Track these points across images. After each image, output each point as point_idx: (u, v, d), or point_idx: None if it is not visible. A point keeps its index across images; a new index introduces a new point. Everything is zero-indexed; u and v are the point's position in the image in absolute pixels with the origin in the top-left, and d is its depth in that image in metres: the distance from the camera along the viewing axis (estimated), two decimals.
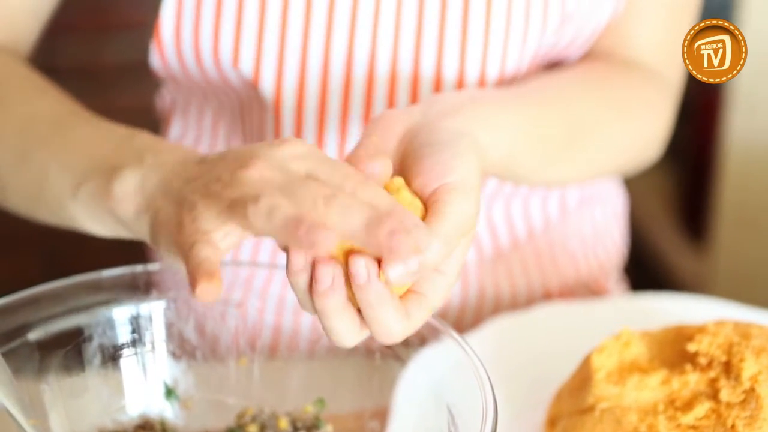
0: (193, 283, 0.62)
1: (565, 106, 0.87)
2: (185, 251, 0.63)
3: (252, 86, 0.91)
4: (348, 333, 0.65)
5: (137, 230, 0.72)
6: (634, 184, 1.34)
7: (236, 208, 0.62)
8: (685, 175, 2.07)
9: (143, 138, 0.76)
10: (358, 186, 0.63)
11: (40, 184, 0.80)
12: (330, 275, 0.63)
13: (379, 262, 0.63)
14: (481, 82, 0.91)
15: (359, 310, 0.64)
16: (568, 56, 0.96)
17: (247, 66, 0.90)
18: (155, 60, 0.93)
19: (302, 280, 0.64)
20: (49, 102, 0.85)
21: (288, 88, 0.90)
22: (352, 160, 0.67)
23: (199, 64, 0.91)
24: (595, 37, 0.96)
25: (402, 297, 0.65)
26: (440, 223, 0.65)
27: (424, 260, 0.63)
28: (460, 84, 0.90)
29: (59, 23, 0.99)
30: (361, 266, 0.62)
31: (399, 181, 0.67)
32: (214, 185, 0.65)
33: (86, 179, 0.75)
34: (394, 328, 0.64)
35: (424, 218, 0.65)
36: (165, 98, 1.06)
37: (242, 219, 0.62)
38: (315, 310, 0.64)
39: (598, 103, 0.90)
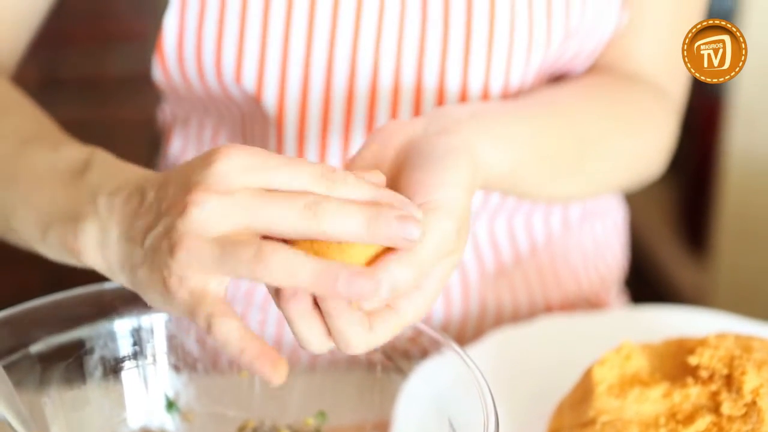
0: (260, 371, 0.61)
1: (569, 121, 0.87)
2: (202, 326, 0.62)
3: (255, 100, 0.91)
4: (314, 339, 0.65)
5: (116, 280, 0.70)
6: (634, 196, 1.34)
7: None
8: (685, 188, 2.07)
9: (95, 170, 0.73)
10: (329, 177, 0.63)
11: (10, 216, 0.78)
12: None
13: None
14: (485, 95, 0.91)
15: None
16: (572, 70, 0.96)
17: (249, 80, 0.90)
18: (157, 73, 0.93)
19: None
20: (15, 124, 0.83)
21: (291, 102, 0.90)
22: (348, 168, 0.67)
23: (201, 78, 0.91)
24: (598, 52, 0.96)
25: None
26: (417, 246, 0.64)
27: (395, 286, 0.62)
28: (463, 96, 0.90)
29: (61, 35, 0.99)
30: None
31: None
32: (172, 234, 0.63)
33: (51, 225, 0.73)
34: (353, 340, 0.64)
35: None
36: (166, 112, 1.06)
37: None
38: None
39: (602, 118, 0.91)
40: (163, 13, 0.90)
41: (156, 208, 0.65)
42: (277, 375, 0.61)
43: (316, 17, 0.88)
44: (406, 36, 0.89)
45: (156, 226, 0.64)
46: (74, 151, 0.76)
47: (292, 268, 0.61)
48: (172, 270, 0.62)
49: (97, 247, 0.69)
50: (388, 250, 0.64)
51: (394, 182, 0.69)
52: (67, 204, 0.72)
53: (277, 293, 0.64)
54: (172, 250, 0.62)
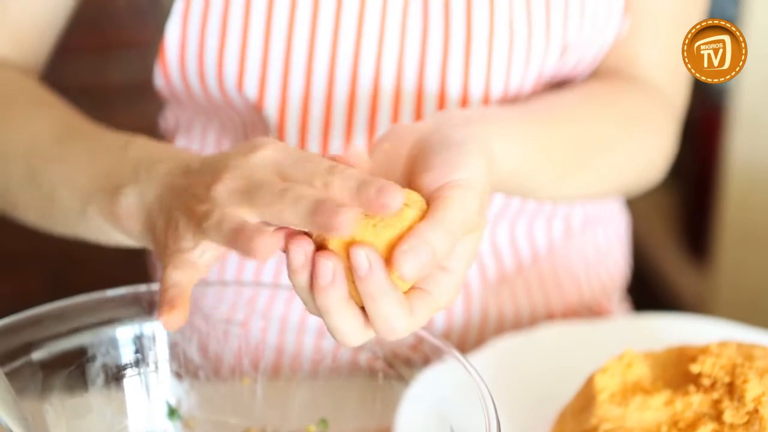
0: (159, 311, 0.65)
1: (573, 123, 0.87)
2: (244, 251, 0.63)
3: (256, 108, 0.91)
4: (352, 331, 0.64)
5: (147, 245, 0.74)
6: (636, 204, 1.34)
7: (201, 224, 0.64)
8: (687, 195, 2.07)
9: (136, 147, 0.77)
10: (340, 174, 0.63)
11: (49, 202, 0.82)
12: (330, 270, 0.62)
13: (387, 262, 0.62)
14: (485, 99, 0.91)
15: (363, 308, 0.64)
16: (573, 77, 0.97)
17: (251, 89, 0.90)
18: (159, 81, 0.94)
19: (303, 278, 0.63)
20: (53, 118, 0.87)
21: (292, 111, 0.91)
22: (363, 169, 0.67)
23: (203, 87, 0.92)
24: (599, 59, 0.96)
25: (406, 293, 0.64)
26: (443, 215, 0.64)
27: (434, 251, 0.62)
28: (464, 101, 0.91)
29: (63, 42, 0.99)
30: (362, 257, 0.62)
31: None
32: (191, 201, 0.66)
33: (91, 199, 0.77)
34: (396, 323, 0.63)
35: (425, 214, 0.65)
36: (168, 119, 1.06)
37: (203, 235, 0.64)
38: (317, 309, 0.64)
39: (604, 120, 0.91)
40: (165, 21, 0.91)
41: (190, 182, 0.68)
42: (166, 322, 0.65)
43: (318, 26, 0.88)
44: (408, 43, 0.89)
45: (186, 190, 0.67)
46: (114, 135, 0.81)
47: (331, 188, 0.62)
48: (206, 202, 0.64)
49: (136, 211, 0.72)
50: None
51: (410, 175, 0.69)
52: (109, 177, 0.76)
53: (311, 287, 0.63)
54: (208, 187, 0.65)
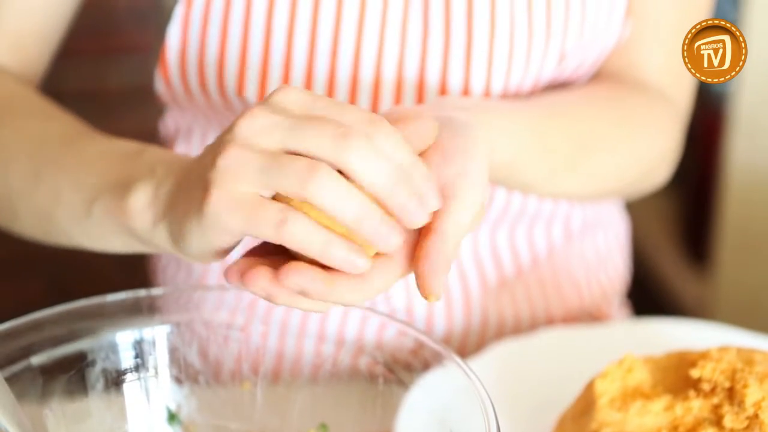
0: (344, 258, 0.61)
1: (571, 118, 0.87)
2: (266, 234, 0.62)
3: None
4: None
5: (155, 241, 0.72)
6: (636, 208, 1.34)
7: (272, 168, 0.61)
8: (687, 200, 2.07)
9: (153, 152, 0.76)
10: (374, 126, 0.62)
11: (53, 203, 0.81)
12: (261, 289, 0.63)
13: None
14: (486, 95, 0.91)
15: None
16: (574, 81, 0.97)
17: (251, 95, 0.90)
18: (159, 85, 0.94)
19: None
20: (59, 122, 0.86)
21: None
22: (392, 116, 0.67)
23: (203, 90, 0.92)
24: (599, 63, 0.96)
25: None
26: (457, 218, 0.65)
27: (451, 261, 0.64)
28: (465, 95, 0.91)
29: (63, 47, 0.99)
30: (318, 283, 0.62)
31: None
32: (218, 149, 0.64)
33: (99, 196, 0.76)
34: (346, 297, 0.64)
35: None
36: (168, 124, 1.06)
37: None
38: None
39: (604, 118, 0.91)
40: (165, 25, 0.91)
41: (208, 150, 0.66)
42: (363, 260, 0.62)
43: (319, 31, 0.88)
44: (407, 52, 0.89)
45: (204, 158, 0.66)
46: (127, 142, 0.80)
47: (343, 190, 0.61)
48: (215, 180, 0.62)
49: (147, 205, 0.71)
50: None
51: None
52: (120, 176, 0.74)
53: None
54: (215, 160, 0.62)
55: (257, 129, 0.62)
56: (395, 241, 0.62)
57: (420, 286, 0.64)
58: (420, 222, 0.63)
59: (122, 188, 0.73)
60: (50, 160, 0.82)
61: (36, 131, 0.85)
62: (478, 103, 0.77)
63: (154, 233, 0.71)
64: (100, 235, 0.77)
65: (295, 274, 0.62)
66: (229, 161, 0.62)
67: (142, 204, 0.71)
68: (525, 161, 0.80)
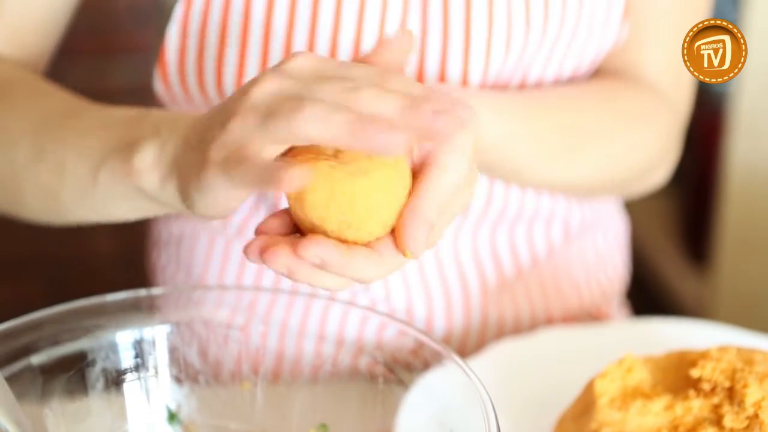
0: (276, 180, 0.60)
1: (565, 108, 0.88)
2: (238, 166, 0.62)
3: None
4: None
5: (165, 200, 0.72)
6: (635, 208, 1.34)
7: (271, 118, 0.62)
8: (687, 199, 2.07)
9: (156, 114, 0.76)
10: (384, 77, 0.63)
11: (57, 179, 0.80)
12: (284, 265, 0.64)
13: (362, 211, 0.63)
14: (483, 85, 0.91)
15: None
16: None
17: None
18: (158, 85, 0.94)
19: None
20: (60, 100, 0.85)
21: None
22: (370, 55, 0.68)
23: (202, 91, 0.92)
24: (597, 65, 0.96)
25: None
26: (438, 184, 0.65)
27: (432, 225, 0.64)
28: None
29: (63, 46, 0.99)
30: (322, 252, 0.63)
31: None
32: (228, 111, 0.64)
33: (104, 161, 0.75)
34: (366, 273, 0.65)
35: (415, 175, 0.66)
36: None
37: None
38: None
39: (600, 110, 0.91)
40: (165, 25, 0.91)
41: (219, 109, 0.67)
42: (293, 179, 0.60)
43: (317, 32, 0.88)
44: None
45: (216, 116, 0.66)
46: (129, 108, 0.79)
47: (328, 114, 0.61)
48: (221, 139, 0.63)
49: (154, 163, 0.71)
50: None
51: None
52: (124, 139, 0.74)
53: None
54: (224, 124, 0.63)
55: (269, 93, 0.63)
56: (399, 140, 0.60)
57: (398, 240, 0.64)
58: (453, 129, 0.62)
59: (127, 150, 0.73)
60: (53, 134, 0.81)
61: (37, 110, 0.84)
62: (473, 90, 0.79)
63: (162, 191, 0.71)
64: (107, 202, 0.77)
65: (314, 245, 0.63)
66: (238, 125, 0.63)
67: (148, 163, 0.71)
68: (516, 142, 0.81)
